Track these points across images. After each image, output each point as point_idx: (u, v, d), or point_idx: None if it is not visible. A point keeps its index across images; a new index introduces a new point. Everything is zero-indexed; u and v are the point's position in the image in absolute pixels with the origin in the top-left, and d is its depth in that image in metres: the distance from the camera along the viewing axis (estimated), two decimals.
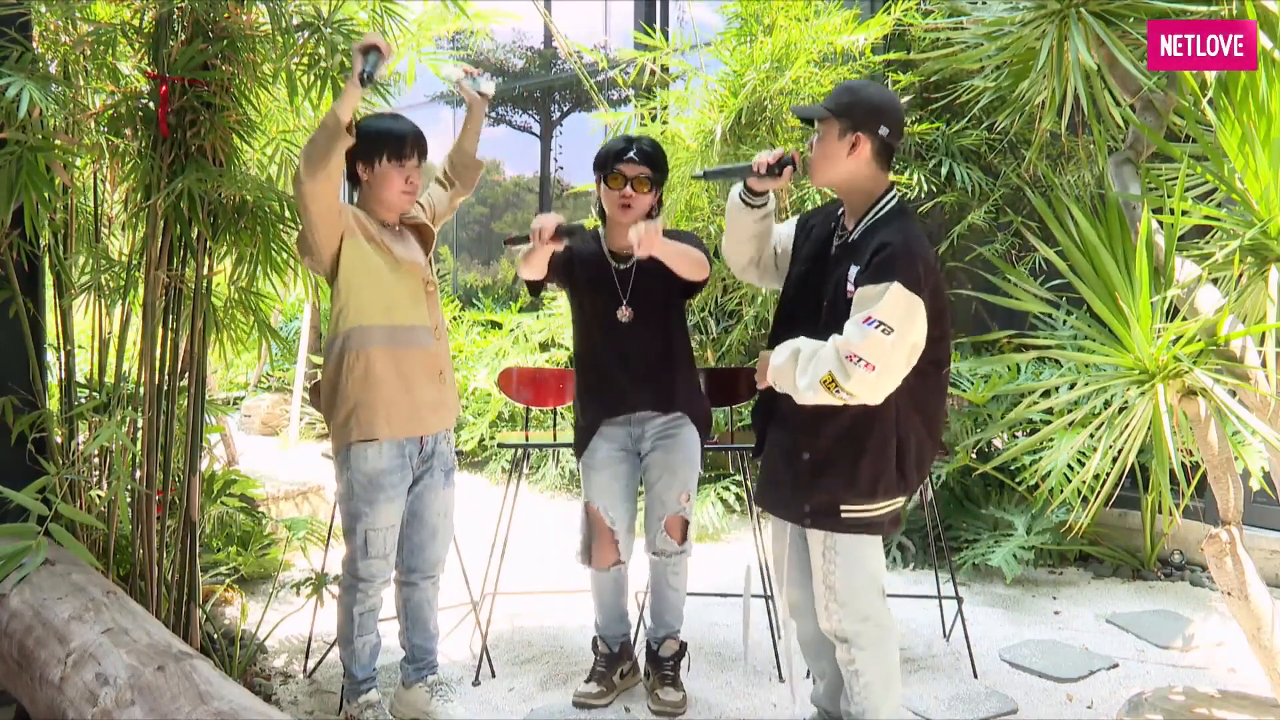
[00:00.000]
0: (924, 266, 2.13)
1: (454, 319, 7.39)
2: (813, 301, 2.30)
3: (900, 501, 2.29)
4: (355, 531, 2.60)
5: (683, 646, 3.00)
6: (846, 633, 2.29)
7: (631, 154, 2.74)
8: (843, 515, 2.24)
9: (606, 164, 2.78)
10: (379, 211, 2.61)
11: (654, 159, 2.77)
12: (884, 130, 2.21)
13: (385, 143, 2.53)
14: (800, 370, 2.15)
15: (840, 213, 2.35)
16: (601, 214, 2.88)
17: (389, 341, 2.56)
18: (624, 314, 2.81)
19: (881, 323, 2.05)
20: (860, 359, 2.05)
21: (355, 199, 2.65)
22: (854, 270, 2.18)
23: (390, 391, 2.55)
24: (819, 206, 2.56)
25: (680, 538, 2.87)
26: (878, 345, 2.05)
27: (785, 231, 2.51)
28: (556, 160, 10.39)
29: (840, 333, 2.12)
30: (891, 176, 4.42)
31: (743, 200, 2.42)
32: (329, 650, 3.20)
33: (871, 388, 2.09)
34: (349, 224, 2.53)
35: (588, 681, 3.00)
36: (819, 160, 2.26)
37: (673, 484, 2.85)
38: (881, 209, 2.25)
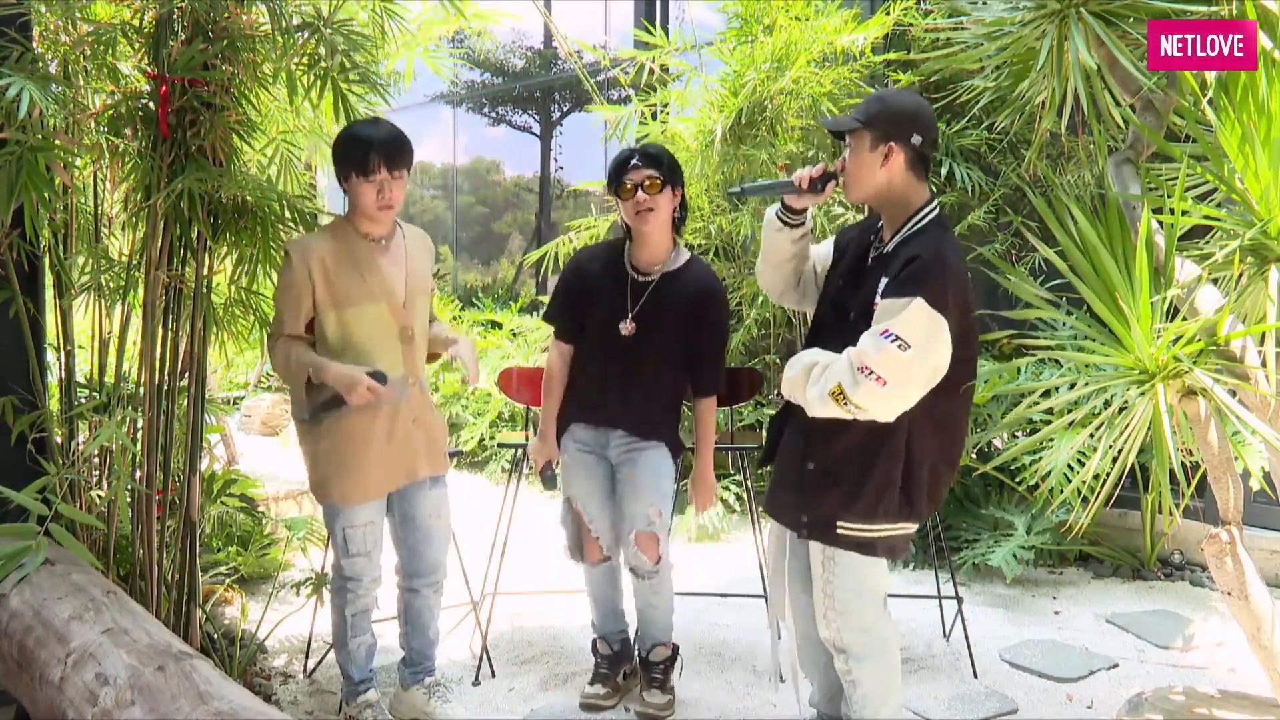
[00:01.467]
0: (954, 285, 2.06)
1: (454, 319, 7.38)
2: (842, 314, 2.25)
3: (905, 528, 2.22)
4: (334, 530, 2.61)
5: (675, 651, 2.98)
6: (845, 643, 2.25)
7: (635, 160, 2.73)
8: (838, 531, 2.19)
9: (615, 178, 2.76)
10: (362, 223, 2.57)
11: (659, 160, 2.74)
12: (916, 139, 2.15)
13: (349, 159, 2.47)
14: (812, 381, 2.11)
15: (879, 226, 2.29)
16: (628, 231, 2.86)
17: (362, 407, 2.50)
18: (626, 328, 2.79)
19: (898, 337, 1.99)
20: (871, 371, 2.00)
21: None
22: (884, 281, 2.12)
23: (360, 459, 2.54)
24: (856, 222, 2.51)
25: (653, 555, 2.81)
26: (892, 360, 1.99)
27: (824, 251, 2.45)
28: (556, 160, 10.39)
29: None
30: None
31: (780, 219, 2.33)
32: (329, 650, 3.20)
33: (881, 402, 2.03)
34: (319, 298, 2.51)
35: (593, 684, 2.99)
36: (853, 173, 2.20)
37: (638, 498, 2.80)
38: (920, 221, 2.18)
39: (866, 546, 2.21)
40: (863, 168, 2.19)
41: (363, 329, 2.53)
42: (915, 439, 2.14)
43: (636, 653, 3.01)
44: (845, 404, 2.04)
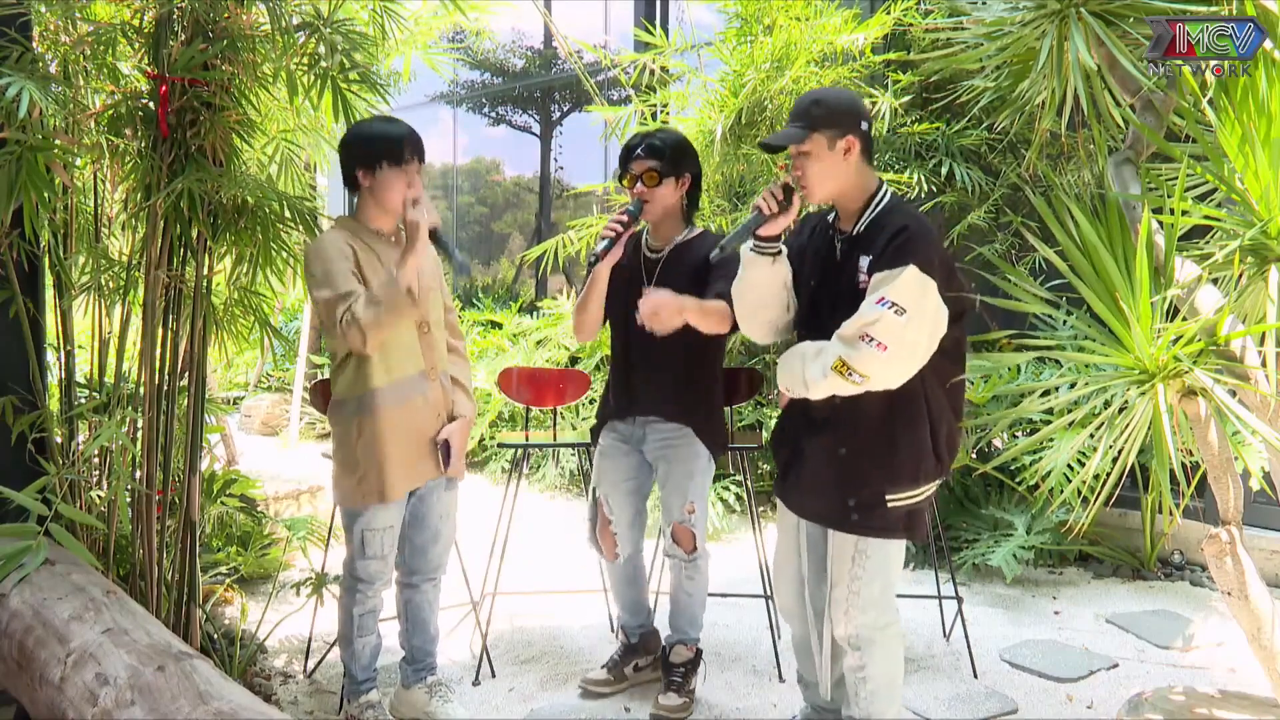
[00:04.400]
0: (938, 250, 2.15)
1: None
2: (826, 309, 2.27)
3: (937, 484, 2.30)
4: (353, 531, 2.61)
5: (697, 655, 2.97)
6: (862, 639, 2.28)
7: (639, 150, 2.74)
8: (889, 505, 2.22)
9: (622, 166, 2.79)
10: (378, 219, 2.57)
11: (661, 150, 2.74)
12: (865, 125, 2.23)
13: (383, 147, 2.49)
14: (808, 362, 2.15)
15: (832, 220, 2.35)
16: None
17: (391, 401, 2.53)
18: None
19: (894, 303, 2.05)
20: (872, 338, 2.05)
21: (354, 204, 2.62)
22: (865, 260, 2.18)
23: (395, 451, 2.54)
24: (799, 223, 2.50)
25: (689, 546, 2.85)
26: (889, 325, 2.05)
27: (786, 267, 2.45)
28: (556, 160, 10.38)
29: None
30: (892, 176, 4.42)
31: (759, 253, 2.32)
32: (329, 650, 3.20)
33: (884, 367, 2.07)
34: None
35: (601, 669, 3.03)
36: (816, 177, 2.23)
37: (674, 495, 2.84)
38: (881, 201, 2.25)
39: (906, 519, 2.25)
40: (826, 167, 2.22)
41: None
42: (931, 401, 2.20)
43: (662, 649, 3.01)
44: (849, 374, 2.08)
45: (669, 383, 2.80)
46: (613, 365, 2.94)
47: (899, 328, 2.05)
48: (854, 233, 2.25)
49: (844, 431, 2.24)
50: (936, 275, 2.10)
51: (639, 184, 2.73)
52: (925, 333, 2.09)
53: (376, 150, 2.49)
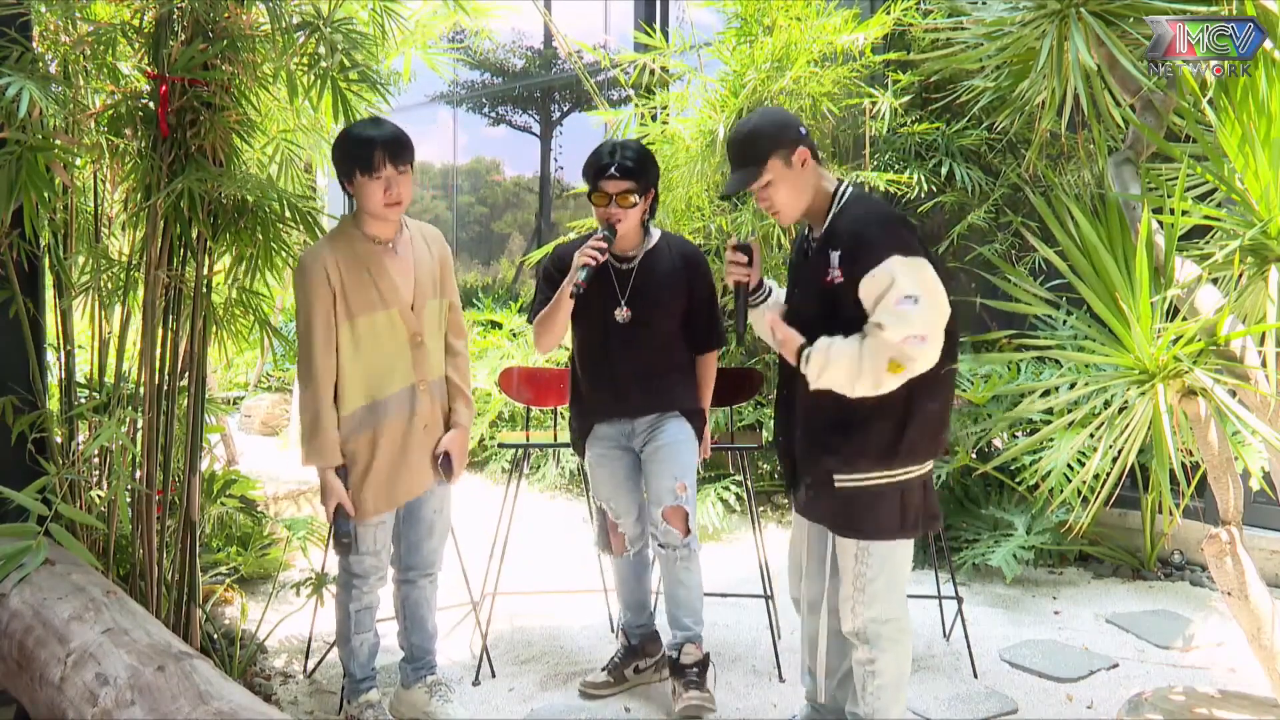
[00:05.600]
0: (906, 230, 2.19)
1: None
2: (805, 310, 2.32)
3: (907, 471, 2.24)
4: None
5: (706, 657, 2.95)
6: (870, 634, 2.30)
7: (613, 170, 2.72)
8: (836, 486, 2.24)
9: (592, 180, 2.77)
10: (371, 225, 2.55)
11: (636, 170, 2.73)
12: (803, 130, 2.28)
13: (353, 157, 2.44)
14: (855, 365, 2.12)
15: (807, 233, 2.38)
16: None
17: (375, 419, 2.54)
18: (621, 314, 2.82)
19: (908, 295, 2.09)
20: (914, 335, 2.08)
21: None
22: (835, 255, 2.20)
23: (375, 472, 2.55)
24: (792, 243, 2.60)
25: (683, 528, 2.84)
26: (918, 315, 2.08)
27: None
28: (556, 160, 10.38)
29: (839, 319, 2.17)
30: (892, 175, 4.41)
31: (753, 306, 2.45)
32: (329, 650, 3.20)
33: (927, 353, 2.11)
34: (339, 305, 2.50)
35: (601, 671, 3.03)
36: (786, 200, 2.28)
37: (664, 474, 2.83)
38: (841, 199, 2.28)
39: (900, 519, 2.24)
40: (792, 186, 2.27)
41: (374, 338, 2.53)
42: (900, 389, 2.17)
43: (667, 654, 2.99)
44: (902, 373, 2.11)
45: (654, 378, 2.85)
46: (590, 374, 2.92)
47: (922, 313, 2.09)
48: (820, 235, 2.29)
49: (803, 418, 2.31)
50: (920, 252, 2.14)
51: (612, 203, 2.73)
52: (939, 310, 2.13)
53: (349, 159, 2.46)
